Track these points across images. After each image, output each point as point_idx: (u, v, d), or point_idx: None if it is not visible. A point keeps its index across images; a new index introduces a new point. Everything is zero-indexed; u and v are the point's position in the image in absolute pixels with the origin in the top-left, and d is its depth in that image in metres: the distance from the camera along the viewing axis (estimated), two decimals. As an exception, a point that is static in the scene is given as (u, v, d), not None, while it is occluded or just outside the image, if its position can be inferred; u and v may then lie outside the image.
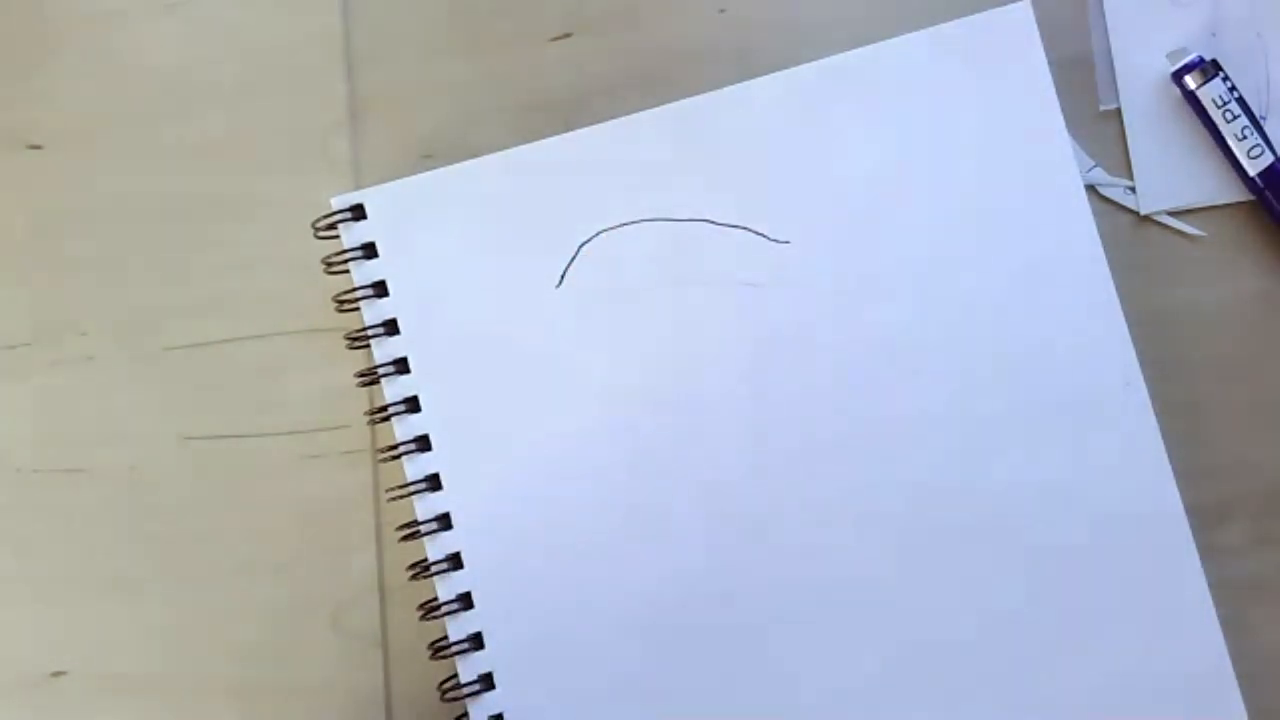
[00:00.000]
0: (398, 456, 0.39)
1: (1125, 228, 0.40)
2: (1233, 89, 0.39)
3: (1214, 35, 0.40)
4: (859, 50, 0.40)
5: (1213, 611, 0.37)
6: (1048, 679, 0.37)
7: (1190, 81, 0.39)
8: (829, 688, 0.38)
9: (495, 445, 0.39)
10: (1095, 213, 0.39)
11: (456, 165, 0.40)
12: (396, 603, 0.40)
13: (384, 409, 0.39)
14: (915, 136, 0.39)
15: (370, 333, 0.39)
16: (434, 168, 0.40)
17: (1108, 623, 0.37)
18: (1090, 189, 0.40)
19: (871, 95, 0.40)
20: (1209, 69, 0.39)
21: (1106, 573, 0.37)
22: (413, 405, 0.39)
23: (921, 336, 0.39)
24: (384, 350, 0.40)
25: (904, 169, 0.39)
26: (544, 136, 0.40)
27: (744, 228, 0.39)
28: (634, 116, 0.40)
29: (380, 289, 0.40)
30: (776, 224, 0.39)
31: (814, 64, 0.40)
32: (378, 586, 0.40)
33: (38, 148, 0.43)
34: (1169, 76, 0.40)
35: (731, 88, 0.40)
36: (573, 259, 0.39)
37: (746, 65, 0.40)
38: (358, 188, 0.41)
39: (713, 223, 0.39)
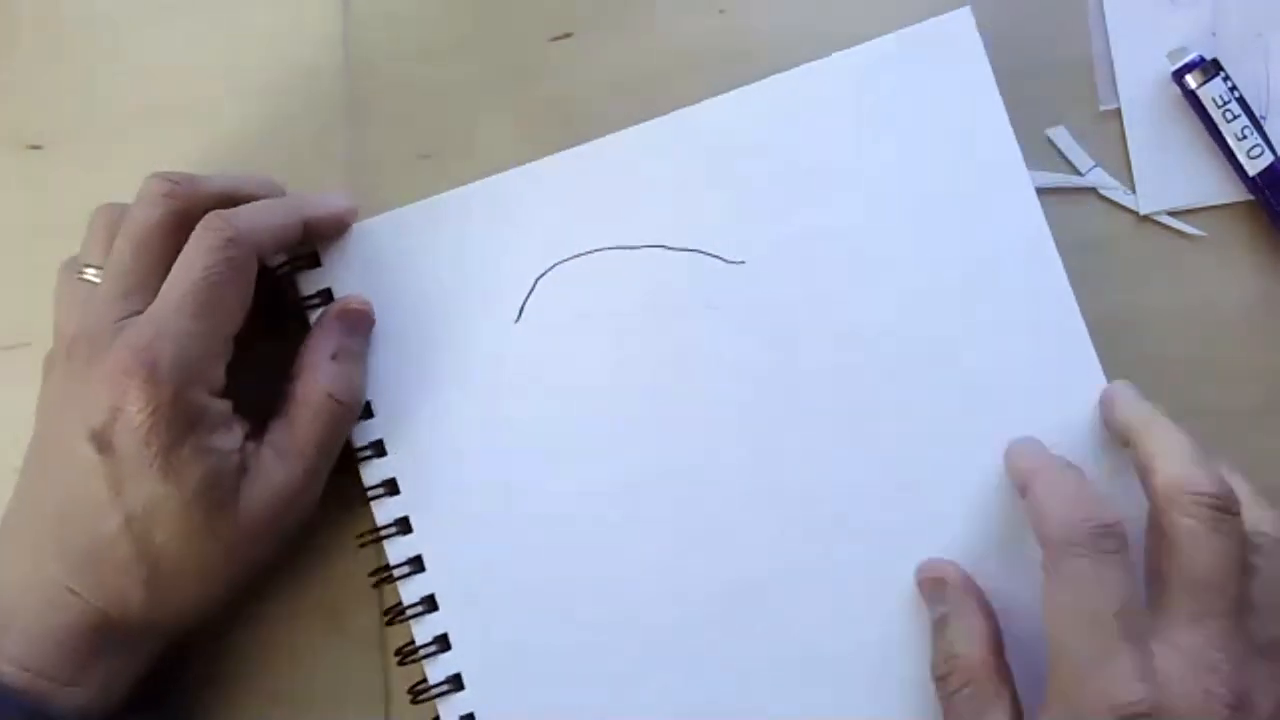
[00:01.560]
0: (369, 501, 0.39)
1: (1125, 228, 0.40)
2: (1233, 89, 0.39)
3: (1214, 35, 0.40)
4: (802, 67, 0.40)
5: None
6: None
7: (1191, 81, 0.39)
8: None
9: (459, 478, 0.39)
10: (1095, 213, 0.39)
11: (410, 206, 0.40)
12: (397, 602, 0.40)
13: (356, 451, 0.39)
14: (863, 148, 0.39)
15: None
16: (433, 168, 0.40)
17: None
18: (1090, 189, 0.40)
19: (815, 111, 0.39)
20: (1209, 68, 0.39)
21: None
22: (379, 449, 0.39)
23: (879, 342, 0.39)
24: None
25: (854, 181, 0.39)
26: (544, 137, 0.40)
27: (698, 250, 0.39)
28: (582, 148, 0.40)
29: None
30: (731, 244, 0.39)
31: (758, 84, 0.40)
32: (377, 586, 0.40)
33: (38, 148, 0.43)
34: (1169, 76, 0.40)
35: (677, 112, 0.40)
36: (529, 293, 0.39)
37: (746, 65, 0.40)
38: (357, 188, 0.41)
39: (667, 248, 0.39)
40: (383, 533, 0.39)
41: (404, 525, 0.39)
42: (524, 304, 0.39)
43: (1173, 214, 0.40)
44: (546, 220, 0.39)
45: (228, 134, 0.42)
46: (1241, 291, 0.40)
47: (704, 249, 0.39)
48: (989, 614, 0.36)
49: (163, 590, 0.34)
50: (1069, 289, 0.38)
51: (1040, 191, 0.39)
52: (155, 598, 0.34)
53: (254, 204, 0.37)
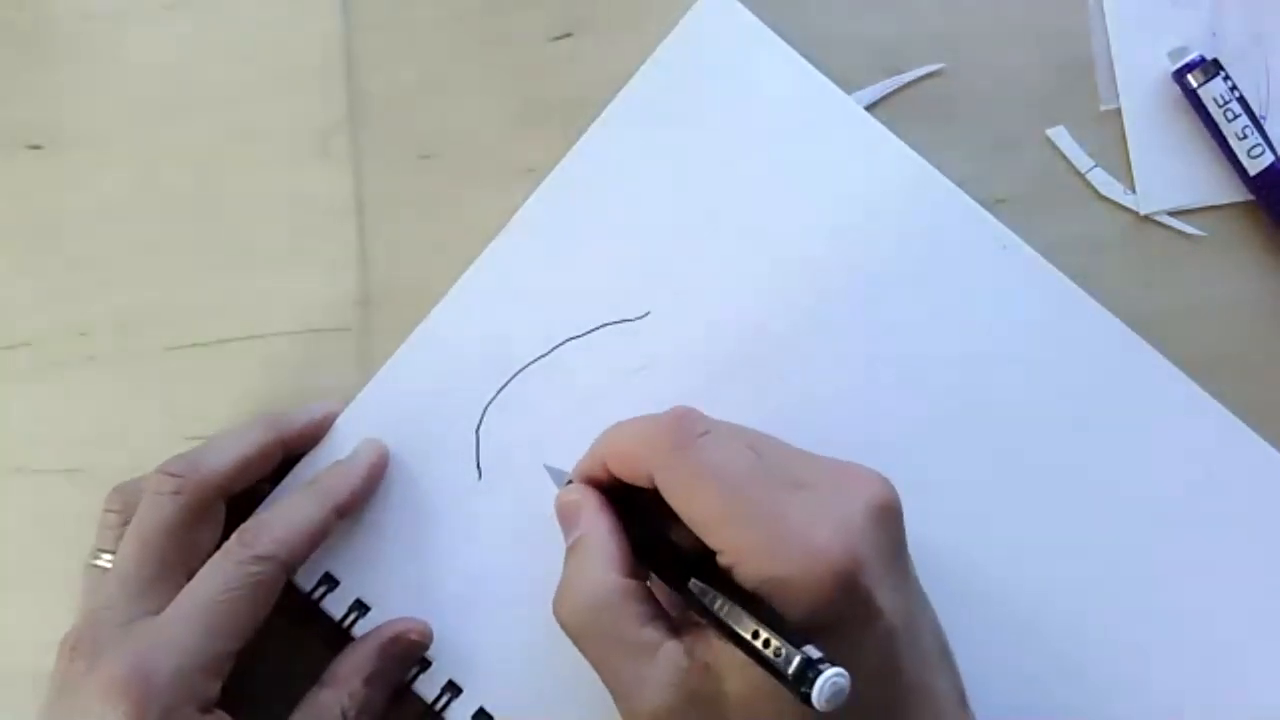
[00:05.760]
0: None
1: (1125, 228, 0.40)
2: (1233, 88, 0.39)
3: (1214, 35, 0.40)
4: (613, 102, 0.40)
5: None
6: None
7: (1191, 80, 0.39)
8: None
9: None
10: (1095, 213, 0.39)
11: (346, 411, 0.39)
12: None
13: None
14: (697, 154, 0.40)
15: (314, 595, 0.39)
16: (433, 168, 0.40)
17: None
18: (1090, 189, 0.40)
19: (641, 142, 0.40)
20: (1210, 68, 0.39)
21: None
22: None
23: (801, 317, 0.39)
24: (336, 605, 0.39)
25: (709, 188, 0.40)
26: (544, 137, 0.40)
27: (603, 325, 0.39)
28: (469, 272, 0.40)
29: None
30: (630, 302, 0.39)
31: (574, 149, 0.40)
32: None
33: (38, 148, 0.43)
34: (1169, 76, 0.40)
35: (521, 211, 0.40)
36: (477, 447, 0.39)
37: (746, 65, 0.40)
38: (358, 188, 0.41)
39: (575, 337, 0.39)
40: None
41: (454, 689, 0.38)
42: (478, 461, 0.39)
43: (1173, 214, 0.40)
44: (468, 361, 0.39)
45: (228, 134, 0.42)
46: (1242, 291, 0.40)
47: (608, 319, 0.39)
48: (620, 536, 0.33)
49: None
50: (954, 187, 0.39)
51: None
52: None
53: (285, 507, 0.37)
